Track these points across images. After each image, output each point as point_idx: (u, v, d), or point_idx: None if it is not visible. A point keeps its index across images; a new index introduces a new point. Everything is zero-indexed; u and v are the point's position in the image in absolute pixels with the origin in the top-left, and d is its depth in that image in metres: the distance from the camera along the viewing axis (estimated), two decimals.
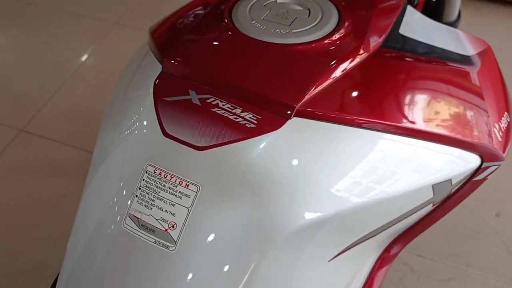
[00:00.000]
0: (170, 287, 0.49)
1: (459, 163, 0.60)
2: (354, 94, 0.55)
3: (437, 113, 0.59)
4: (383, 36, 0.61)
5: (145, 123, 0.51)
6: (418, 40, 0.64)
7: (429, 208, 0.66)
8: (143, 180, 0.50)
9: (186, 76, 0.53)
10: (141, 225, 0.49)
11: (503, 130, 0.66)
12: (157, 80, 0.53)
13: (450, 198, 0.67)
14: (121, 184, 0.51)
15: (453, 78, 0.64)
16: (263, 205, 0.48)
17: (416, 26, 0.66)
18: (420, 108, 0.58)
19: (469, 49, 0.69)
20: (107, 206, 0.51)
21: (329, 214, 0.50)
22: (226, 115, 0.50)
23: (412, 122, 0.56)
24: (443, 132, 0.57)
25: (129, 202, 0.50)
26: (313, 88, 0.51)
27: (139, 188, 0.50)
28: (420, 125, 0.56)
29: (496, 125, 0.65)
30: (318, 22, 0.59)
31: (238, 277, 0.48)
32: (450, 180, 0.60)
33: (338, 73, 0.54)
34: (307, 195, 0.49)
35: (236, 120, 0.49)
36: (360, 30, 0.60)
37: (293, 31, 0.57)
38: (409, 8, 0.68)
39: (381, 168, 0.53)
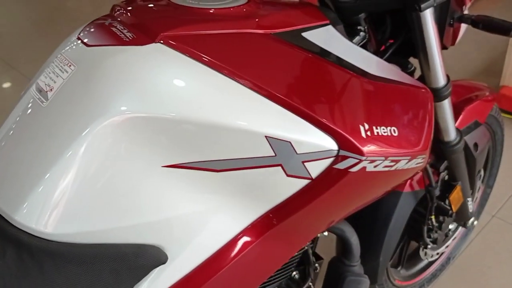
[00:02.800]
0: (38, 127, 0.68)
1: (302, 132, 0.71)
2: (225, 47, 0.71)
3: (294, 85, 0.72)
4: (281, 30, 0.77)
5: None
6: (317, 44, 0.79)
7: (298, 183, 0.75)
8: (53, 62, 0.73)
9: (117, 16, 0.76)
10: (37, 88, 0.71)
11: (374, 133, 0.75)
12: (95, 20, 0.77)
13: (319, 182, 0.76)
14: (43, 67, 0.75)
15: (335, 74, 0.76)
16: (98, 88, 0.66)
17: (326, 39, 0.81)
18: (281, 76, 0.72)
19: (376, 71, 0.81)
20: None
21: (146, 115, 0.65)
22: (116, 31, 0.71)
23: (263, 81, 0.70)
24: (291, 100, 0.70)
25: (39, 76, 0.73)
26: (187, 26, 0.70)
27: (48, 67, 0.73)
28: (270, 85, 0.70)
29: (366, 125, 0.74)
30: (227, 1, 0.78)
31: (72, 135, 0.66)
32: (290, 142, 0.70)
33: (219, 29, 0.72)
34: (134, 95, 0.66)
35: (119, 34, 0.71)
36: (260, 15, 0.77)
37: (203, 2, 0.77)
38: (330, 28, 0.83)
39: (211, 98, 0.68)
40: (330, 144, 0.72)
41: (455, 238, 1.57)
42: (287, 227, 0.81)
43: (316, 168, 0.74)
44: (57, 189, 0.64)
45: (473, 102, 1.28)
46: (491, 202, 1.73)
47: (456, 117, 1.21)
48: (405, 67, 1.09)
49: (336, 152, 0.73)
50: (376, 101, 0.78)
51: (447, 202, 1.28)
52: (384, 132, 0.75)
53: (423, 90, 0.87)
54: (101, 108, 0.65)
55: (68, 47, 0.72)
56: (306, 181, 0.75)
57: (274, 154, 0.70)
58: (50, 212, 0.65)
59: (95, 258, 0.68)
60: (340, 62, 0.77)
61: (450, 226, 1.40)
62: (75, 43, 0.72)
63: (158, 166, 0.68)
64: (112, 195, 0.67)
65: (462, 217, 1.39)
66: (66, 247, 0.66)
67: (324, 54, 0.77)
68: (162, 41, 0.68)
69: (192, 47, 0.68)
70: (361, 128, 0.73)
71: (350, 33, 0.95)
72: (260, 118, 0.68)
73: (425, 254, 1.46)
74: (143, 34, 0.69)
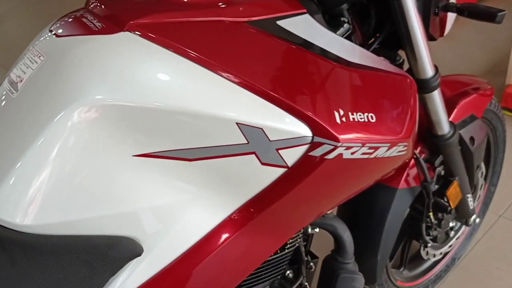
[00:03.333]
0: (7, 118, 0.68)
1: (274, 118, 0.70)
2: (196, 35, 0.71)
3: (266, 71, 0.71)
4: (256, 18, 0.77)
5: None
6: (292, 32, 0.78)
7: (274, 171, 0.74)
8: (25, 55, 0.73)
9: (91, 8, 0.76)
10: (9, 81, 0.72)
11: (349, 119, 0.74)
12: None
13: (295, 171, 0.75)
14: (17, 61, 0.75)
15: (310, 60, 0.75)
16: (65, 78, 0.66)
17: (302, 27, 0.80)
18: (252, 63, 0.71)
19: (355, 58, 0.80)
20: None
21: (113, 102, 0.65)
22: (86, 22, 0.72)
23: (233, 68, 0.69)
24: (263, 87, 0.70)
25: (12, 69, 0.73)
26: (156, 15, 0.70)
27: (21, 60, 0.73)
28: (241, 72, 0.69)
29: (341, 111, 0.73)
30: None
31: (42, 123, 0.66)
32: (262, 129, 0.70)
33: (190, 17, 0.71)
34: (101, 83, 0.66)
35: (89, 24, 0.71)
36: (234, 3, 0.76)
37: None
38: (307, 17, 0.82)
39: (180, 86, 0.67)
40: (304, 130, 0.71)
41: (458, 237, 1.53)
42: (268, 218, 0.80)
43: (291, 156, 0.73)
44: (27, 179, 0.64)
45: (468, 96, 1.26)
46: (498, 202, 1.69)
47: (450, 111, 1.19)
48: (393, 60, 1.07)
49: (310, 138, 0.71)
50: (353, 87, 0.76)
51: (445, 198, 1.25)
52: (361, 118, 0.74)
53: (405, 78, 0.85)
54: (69, 96, 0.65)
55: (40, 40, 0.72)
56: (282, 170, 0.74)
57: (246, 142, 0.69)
58: (21, 202, 0.64)
59: (68, 249, 0.68)
60: (315, 50, 0.77)
61: (451, 224, 1.37)
62: (46, 35, 0.72)
63: (129, 155, 0.68)
64: (83, 185, 0.66)
65: (462, 215, 1.36)
66: (38, 238, 0.66)
67: (298, 41, 0.76)
68: (130, 30, 0.68)
69: (160, 35, 0.68)
70: (336, 114, 0.72)
71: (333, 25, 0.94)
72: (231, 105, 0.67)
73: (427, 253, 1.44)
74: (112, 24, 0.69)
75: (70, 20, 0.73)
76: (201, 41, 0.69)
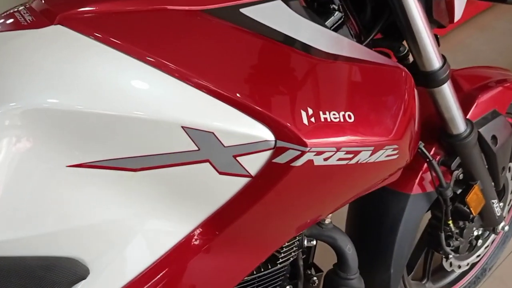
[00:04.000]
0: None
1: (227, 120, 0.60)
2: (136, 26, 0.62)
3: (217, 66, 0.61)
4: (214, 6, 0.66)
5: None
6: (258, 21, 0.67)
7: (235, 181, 0.64)
8: None
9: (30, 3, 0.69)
10: None
11: (320, 119, 0.63)
12: None
13: (261, 180, 0.64)
14: None
15: (274, 53, 0.65)
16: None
17: (272, 15, 0.69)
18: (200, 57, 0.61)
19: (334, 49, 0.69)
20: None
21: (38, 106, 0.56)
22: (18, 16, 0.63)
23: (177, 62, 0.60)
24: (212, 84, 0.60)
25: None
26: (90, 5, 0.61)
27: None
28: (186, 67, 0.60)
29: (310, 110, 0.63)
30: None
31: None
32: (213, 133, 0.60)
33: (131, 6, 0.62)
34: (26, 83, 0.57)
35: (19, 19, 0.63)
36: None
37: None
38: (279, 3, 0.72)
39: (114, 85, 0.58)
40: (264, 133, 0.60)
41: (488, 246, 1.38)
42: (237, 233, 0.70)
43: (253, 164, 0.63)
44: None
45: (490, 90, 1.12)
46: None
47: (468, 107, 1.06)
48: (397, 51, 0.96)
49: (273, 143, 0.61)
50: (326, 82, 0.65)
51: (466, 205, 1.12)
52: (335, 118, 0.63)
53: (397, 70, 0.73)
54: None
55: None
56: (245, 179, 0.64)
57: (197, 148, 0.60)
58: None
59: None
60: (283, 40, 0.66)
61: (476, 233, 1.23)
62: None
63: (62, 166, 0.59)
64: (11, 201, 0.58)
65: (488, 222, 1.22)
66: None
67: (264, 31, 0.66)
68: (61, 23, 0.59)
69: (94, 28, 0.59)
70: (303, 113, 0.61)
71: (322, 13, 0.84)
72: (174, 106, 0.58)
73: (450, 264, 1.30)
74: (42, 17, 0.60)
75: (4, 16, 0.65)
76: (142, 33, 0.60)
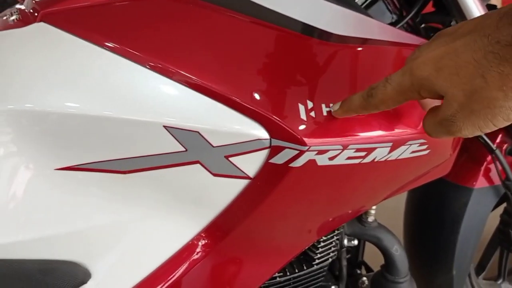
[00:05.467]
0: None
1: (214, 117, 0.55)
2: (118, 19, 0.58)
3: (204, 57, 0.56)
4: None
5: None
6: (256, 2, 0.61)
7: (234, 183, 0.60)
8: None
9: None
10: None
11: (322, 113, 0.56)
12: None
13: (260, 181, 0.59)
14: None
15: (269, 38, 0.58)
16: None
17: None
18: (186, 48, 0.56)
19: (348, 30, 0.61)
20: None
21: (18, 108, 0.54)
22: (7, 15, 0.63)
23: (158, 55, 0.55)
24: (197, 77, 0.55)
25: None
26: (65, 2, 0.58)
27: None
28: (168, 59, 0.55)
29: (310, 102, 0.56)
30: None
31: None
32: (198, 132, 0.55)
33: None
34: (9, 84, 0.56)
35: (7, 18, 0.62)
36: None
37: None
38: None
39: (95, 84, 0.55)
40: (256, 131, 0.54)
41: None
42: (242, 238, 0.65)
43: (250, 164, 0.57)
44: None
45: None
46: None
47: None
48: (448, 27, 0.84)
49: (267, 142, 0.55)
50: (332, 69, 0.57)
51: None
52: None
53: None
54: None
55: None
56: (244, 181, 0.59)
57: (184, 149, 0.55)
58: None
59: None
60: (283, 23, 0.58)
61: None
62: None
63: (50, 169, 0.57)
64: (4, 205, 0.57)
65: None
66: None
67: (261, 14, 0.59)
68: (43, 20, 0.57)
69: (74, 23, 0.55)
70: (301, 107, 0.54)
71: None
72: (155, 103, 0.53)
73: None
74: (28, 15, 0.58)
75: None
76: (124, 26, 0.56)
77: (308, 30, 0.57)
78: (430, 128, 0.46)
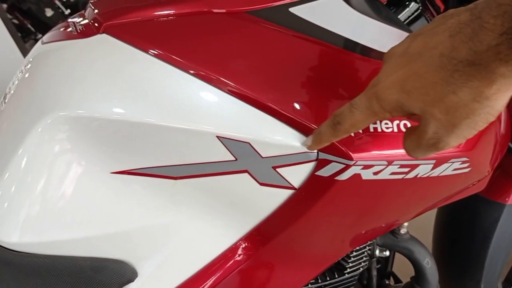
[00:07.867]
0: None
1: (264, 130, 0.57)
2: (176, 32, 0.61)
3: (257, 72, 0.58)
4: (260, 6, 0.64)
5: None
6: (308, 21, 0.64)
7: (279, 193, 0.62)
8: (22, 65, 0.70)
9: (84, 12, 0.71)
10: (4, 95, 0.69)
11: (369, 129, 0.58)
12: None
13: (305, 192, 0.62)
14: None
15: (320, 55, 0.60)
16: (38, 87, 0.61)
17: (324, 13, 0.65)
18: (239, 63, 0.59)
19: (382, 46, 0.63)
20: None
21: (82, 115, 0.58)
22: (71, 25, 0.66)
23: (215, 69, 0.58)
24: (251, 91, 0.57)
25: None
26: (132, 13, 0.61)
27: (18, 70, 0.70)
28: (223, 74, 0.58)
29: None
30: None
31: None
32: (249, 143, 0.58)
33: (174, 10, 0.62)
34: (73, 92, 0.59)
35: (71, 29, 0.65)
36: None
37: None
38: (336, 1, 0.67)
39: (156, 95, 0.58)
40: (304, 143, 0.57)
41: None
42: (282, 246, 0.67)
43: (296, 175, 0.59)
44: (8, 195, 0.60)
45: None
46: None
47: None
48: None
49: (314, 155, 0.57)
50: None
51: None
52: (387, 128, 0.57)
53: None
54: (40, 109, 0.59)
55: (33, 48, 0.68)
56: (289, 191, 0.61)
57: (234, 158, 0.58)
58: (4, 217, 0.61)
59: (51, 270, 0.63)
60: (332, 40, 0.61)
61: None
62: (38, 44, 0.68)
63: (107, 172, 0.61)
64: (61, 204, 0.61)
65: None
66: (22, 257, 0.62)
67: (313, 32, 0.62)
68: (106, 32, 0.60)
69: (136, 36, 0.59)
70: None
71: (396, 6, 0.77)
72: (210, 115, 0.56)
73: None
74: (91, 26, 0.62)
75: (60, 25, 0.68)
76: (181, 39, 0.59)
77: (351, 45, 0.60)
78: (416, 151, 0.47)
